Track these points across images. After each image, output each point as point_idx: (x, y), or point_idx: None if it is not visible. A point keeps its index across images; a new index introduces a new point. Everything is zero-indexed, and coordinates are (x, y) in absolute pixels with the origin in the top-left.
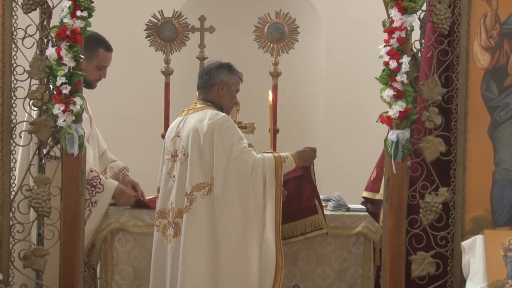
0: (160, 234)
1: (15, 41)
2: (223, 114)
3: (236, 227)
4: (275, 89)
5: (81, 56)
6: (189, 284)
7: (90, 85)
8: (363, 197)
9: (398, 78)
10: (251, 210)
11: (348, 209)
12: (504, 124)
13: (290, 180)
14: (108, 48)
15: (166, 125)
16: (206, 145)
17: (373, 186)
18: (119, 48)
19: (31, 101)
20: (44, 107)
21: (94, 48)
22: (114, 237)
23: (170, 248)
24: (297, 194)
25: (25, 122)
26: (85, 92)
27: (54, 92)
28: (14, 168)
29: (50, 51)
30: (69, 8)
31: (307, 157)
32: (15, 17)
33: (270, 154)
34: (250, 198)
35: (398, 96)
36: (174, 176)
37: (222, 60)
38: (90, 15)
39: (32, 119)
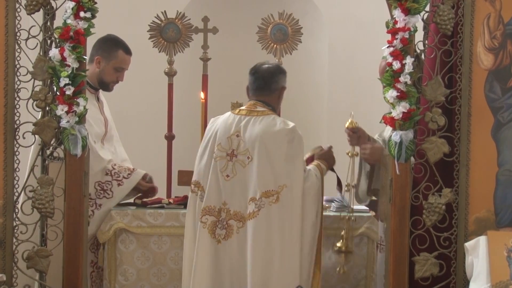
0: (207, 231)
1: (19, 42)
2: (293, 123)
3: (297, 234)
4: None
5: (84, 57)
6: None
7: (107, 87)
8: None
9: (402, 79)
10: (318, 219)
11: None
12: (507, 125)
13: None
14: (128, 51)
15: (170, 126)
16: (278, 154)
17: None
18: None
19: (35, 102)
20: (47, 108)
21: (114, 49)
22: (117, 238)
23: (220, 249)
24: None
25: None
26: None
27: (58, 93)
28: (17, 169)
29: (54, 52)
30: (72, 9)
31: (329, 157)
32: (18, 18)
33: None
34: (319, 208)
35: (402, 97)
36: (228, 176)
37: (278, 63)
38: (93, 16)
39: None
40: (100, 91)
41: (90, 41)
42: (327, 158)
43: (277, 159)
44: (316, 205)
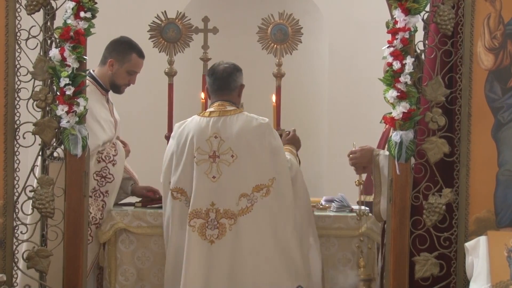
0: (196, 234)
1: (19, 42)
2: (267, 118)
3: (302, 222)
4: (278, 90)
5: (84, 57)
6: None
7: (118, 89)
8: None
9: (402, 79)
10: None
11: (352, 210)
12: (507, 125)
13: None
14: (141, 54)
15: (170, 126)
16: (262, 148)
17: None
18: None
19: (35, 102)
20: (47, 108)
21: (128, 52)
22: (117, 238)
23: (214, 248)
24: None
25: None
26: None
27: (58, 93)
28: (17, 169)
29: (54, 52)
30: (72, 9)
31: (295, 140)
32: (18, 18)
33: (290, 154)
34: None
35: (402, 97)
36: (214, 177)
37: (233, 62)
38: (93, 16)
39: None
40: (109, 92)
41: (91, 41)
42: (294, 142)
43: (263, 154)
44: (305, 190)
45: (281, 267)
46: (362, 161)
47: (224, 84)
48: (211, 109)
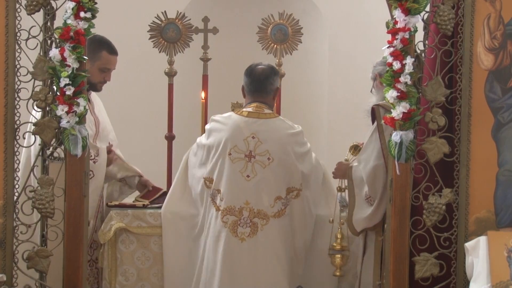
0: (228, 230)
1: (19, 42)
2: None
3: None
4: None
5: (84, 57)
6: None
7: (95, 87)
8: None
9: (402, 79)
10: None
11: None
12: (507, 125)
13: None
14: (112, 51)
15: (170, 126)
16: (296, 154)
17: None
18: (122, 49)
19: (35, 102)
20: (47, 108)
21: (97, 50)
22: (117, 238)
23: (244, 246)
24: None
25: (29, 123)
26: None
27: (58, 93)
28: (17, 169)
29: (54, 52)
30: (72, 9)
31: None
32: (18, 18)
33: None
34: None
35: (402, 97)
36: (248, 176)
37: (271, 64)
38: (93, 16)
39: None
40: (93, 92)
41: None
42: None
43: (297, 159)
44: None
45: (289, 269)
46: (338, 174)
47: (261, 86)
48: (249, 109)
